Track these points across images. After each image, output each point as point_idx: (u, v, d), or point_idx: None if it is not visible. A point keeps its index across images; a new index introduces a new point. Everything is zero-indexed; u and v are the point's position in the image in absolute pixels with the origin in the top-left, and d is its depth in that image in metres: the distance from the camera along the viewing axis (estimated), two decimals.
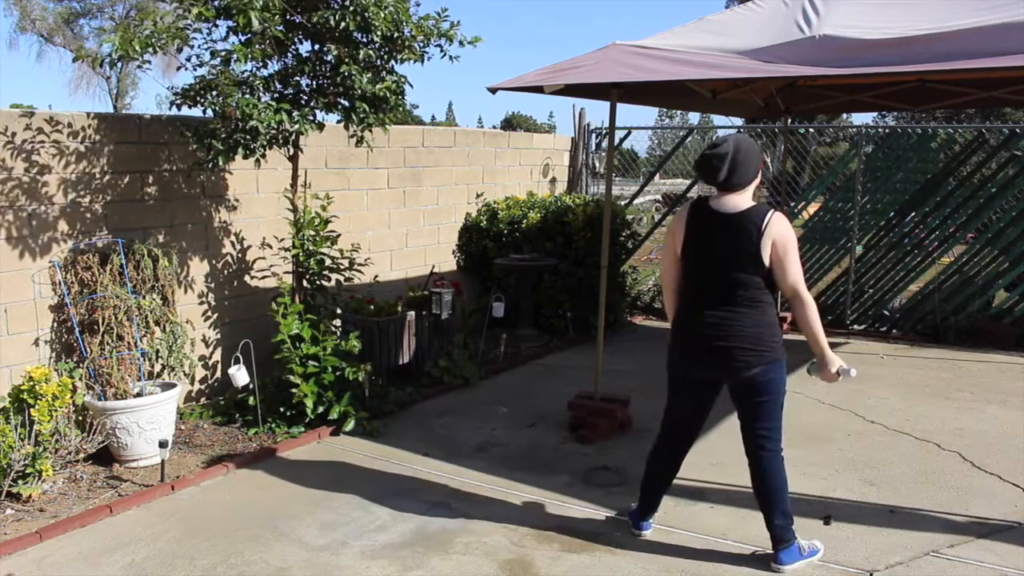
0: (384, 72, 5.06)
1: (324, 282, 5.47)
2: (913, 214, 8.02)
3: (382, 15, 4.77)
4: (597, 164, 9.50)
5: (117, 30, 4.42)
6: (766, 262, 3.18)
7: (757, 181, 3.31)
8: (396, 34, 4.93)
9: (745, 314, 3.24)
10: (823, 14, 4.21)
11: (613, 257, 7.63)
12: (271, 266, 5.80)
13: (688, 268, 3.39)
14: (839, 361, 3.28)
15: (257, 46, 4.65)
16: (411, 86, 5.18)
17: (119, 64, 4.53)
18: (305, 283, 5.42)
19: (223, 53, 4.59)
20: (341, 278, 5.59)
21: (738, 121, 9.86)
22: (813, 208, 8.94)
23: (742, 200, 3.26)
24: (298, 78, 5.02)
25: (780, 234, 3.18)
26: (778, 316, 3.35)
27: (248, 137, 4.67)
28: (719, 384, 3.45)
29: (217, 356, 5.69)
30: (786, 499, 3.39)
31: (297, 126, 4.83)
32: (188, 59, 4.71)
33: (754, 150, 3.27)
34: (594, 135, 9.49)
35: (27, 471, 4.01)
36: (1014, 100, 6.58)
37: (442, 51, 5.18)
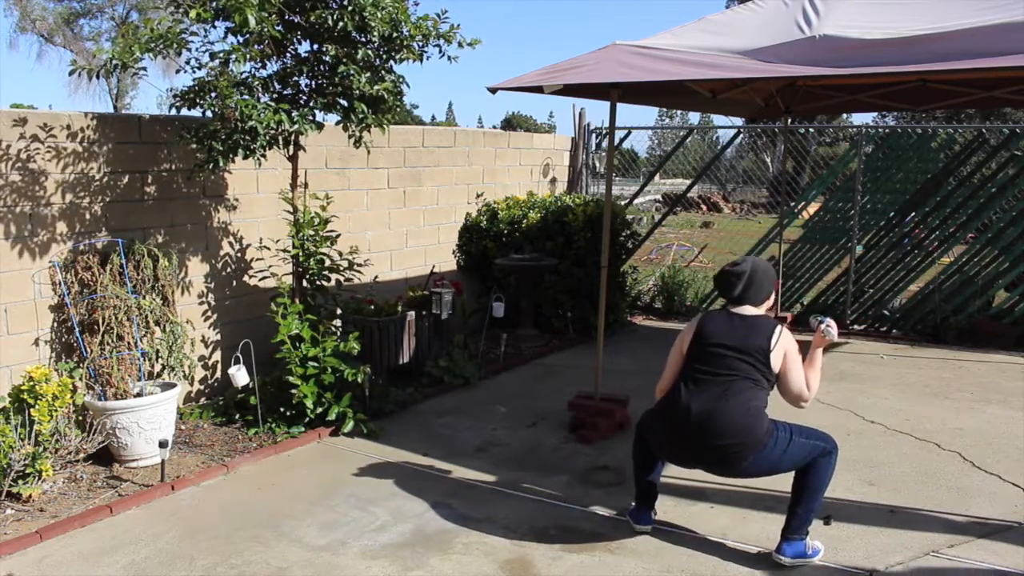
0: (383, 72, 5.06)
1: (324, 282, 5.47)
2: (913, 214, 8.02)
3: (380, 15, 4.78)
4: (597, 164, 9.50)
5: (117, 38, 4.42)
6: (775, 366, 3.32)
7: (770, 303, 3.50)
8: (394, 34, 4.93)
9: (734, 403, 3.27)
10: (823, 14, 4.21)
11: (613, 257, 7.63)
12: (271, 266, 5.80)
13: (690, 357, 3.44)
14: (818, 331, 3.41)
15: (256, 46, 4.65)
16: (408, 86, 5.18)
17: (115, 72, 4.53)
18: (305, 283, 5.42)
19: (221, 54, 4.59)
20: (341, 278, 5.59)
21: (738, 121, 9.87)
22: (813, 208, 8.94)
23: (755, 311, 3.44)
24: (297, 78, 5.02)
25: (791, 347, 3.35)
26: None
27: (248, 138, 4.67)
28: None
29: (217, 356, 5.69)
30: (820, 498, 3.42)
31: (296, 126, 4.83)
32: (187, 62, 4.71)
33: (770, 274, 3.48)
34: (594, 135, 9.49)
35: (27, 471, 4.01)
36: (1014, 100, 6.58)
37: (440, 51, 5.19)
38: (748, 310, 3.43)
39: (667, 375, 3.57)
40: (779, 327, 3.37)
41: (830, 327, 3.38)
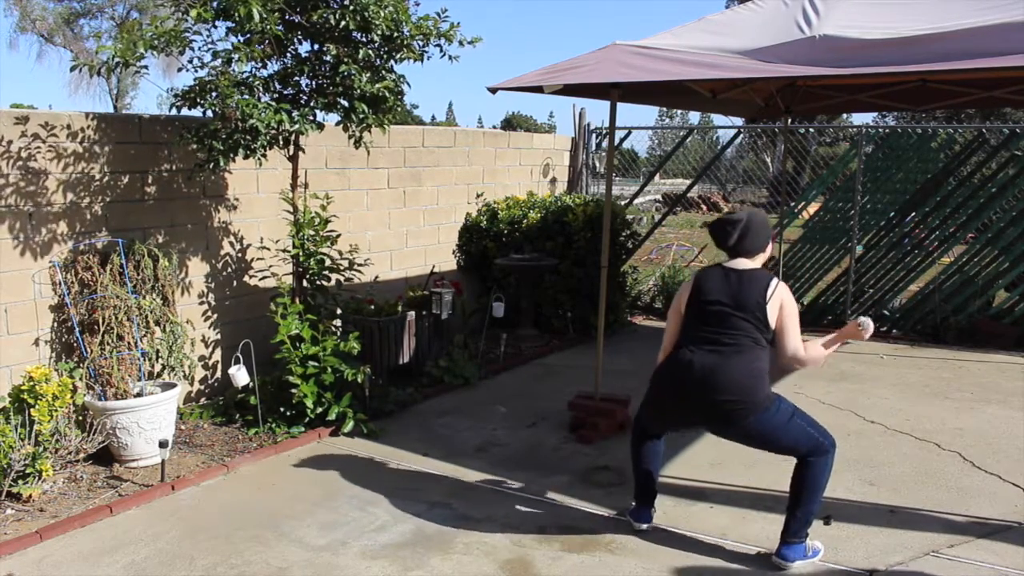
0: (383, 71, 5.06)
1: (324, 282, 5.47)
2: (913, 214, 8.02)
3: (382, 14, 4.77)
4: (597, 164, 9.51)
5: (119, 36, 4.42)
6: (771, 321, 3.28)
7: (766, 254, 3.46)
8: (395, 33, 4.93)
9: (736, 361, 3.27)
10: (823, 14, 4.21)
11: (613, 257, 7.63)
12: (271, 266, 5.80)
13: (689, 316, 3.44)
14: (852, 324, 3.36)
15: (257, 46, 4.65)
16: (409, 85, 5.18)
17: (117, 71, 4.52)
18: (305, 283, 5.42)
19: (223, 53, 4.60)
20: (341, 278, 5.59)
21: (738, 121, 9.87)
22: (813, 208, 8.94)
23: (751, 263, 3.40)
24: (298, 78, 5.02)
25: (786, 299, 3.31)
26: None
27: (248, 137, 4.67)
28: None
29: (217, 356, 5.69)
30: (818, 500, 3.40)
31: (297, 126, 4.83)
32: (190, 61, 4.71)
33: (766, 224, 3.44)
34: (594, 135, 9.49)
35: (27, 471, 4.01)
36: (1014, 100, 6.58)
37: (441, 51, 5.19)
38: (743, 263, 3.38)
39: (668, 336, 3.56)
40: (775, 279, 3.32)
41: (868, 322, 3.32)
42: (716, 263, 3.49)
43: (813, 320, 7.92)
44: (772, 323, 3.28)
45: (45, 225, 4.65)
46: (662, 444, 3.75)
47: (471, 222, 8.00)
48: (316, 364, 5.02)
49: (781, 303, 3.28)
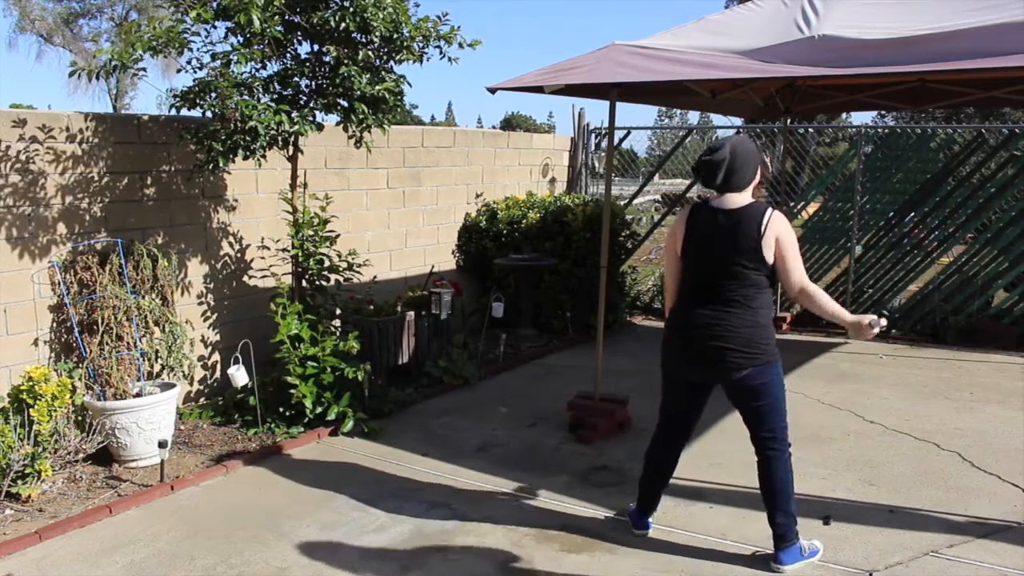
0: (383, 72, 5.06)
1: (323, 282, 5.47)
2: (912, 214, 8.02)
3: (381, 16, 4.77)
4: (597, 164, 9.50)
5: (120, 34, 4.42)
6: (768, 259, 3.20)
7: (757, 181, 3.33)
8: (395, 35, 4.93)
9: (738, 314, 3.23)
10: (823, 14, 4.21)
11: (613, 257, 7.63)
12: (270, 266, 5.80)
13: (687, 266, 3.40)
14: (865, 317, 3.20)
15: (256, 47, 4.64)
16: (410, 86, 5.18)
17: (115, 73, 4.52)
18: (304, 283, 5.42)
19: (222, 55, 4.59)
20: (340, 278, 5.59)
21: (738, 121, 9.87)
22: (813, 208, 8.94)
23: (741, 198, 3.28)
24: (297, 79, 5.02)
25: (782, 231, 3.20)
26: (776, 317, 3.34)
27: (248, 138, 4.67)
28: (711, 384, 3.46)
29: (216, 356, 5.69)
30: (790, 499, 3.39)
31: (296, 127, 4.83)
32: (189, 62, 4.71)
33: (752, 152, 3.29)
34: (594, 135, 9.48)
35: (26, 471, 4.01)
36: (1014, 100, 6.58)
37: (441, 52, 5.19)
38: (733, 199, 3.26)
39: (669, 279, 3.52)
40: (767, 211, 3.20)
41: (881, 323, 3.15)
42: (706, 199, 3.36)
43: (812, 320, 7.92)
44: (769, 259, 3.19)
45: (44, 225, 4.65)
46: (678, 457, 3.68)
47: (470, 222, 8.00)
48: (315, 364, 5.02)
49: (776, 236, 3.18)
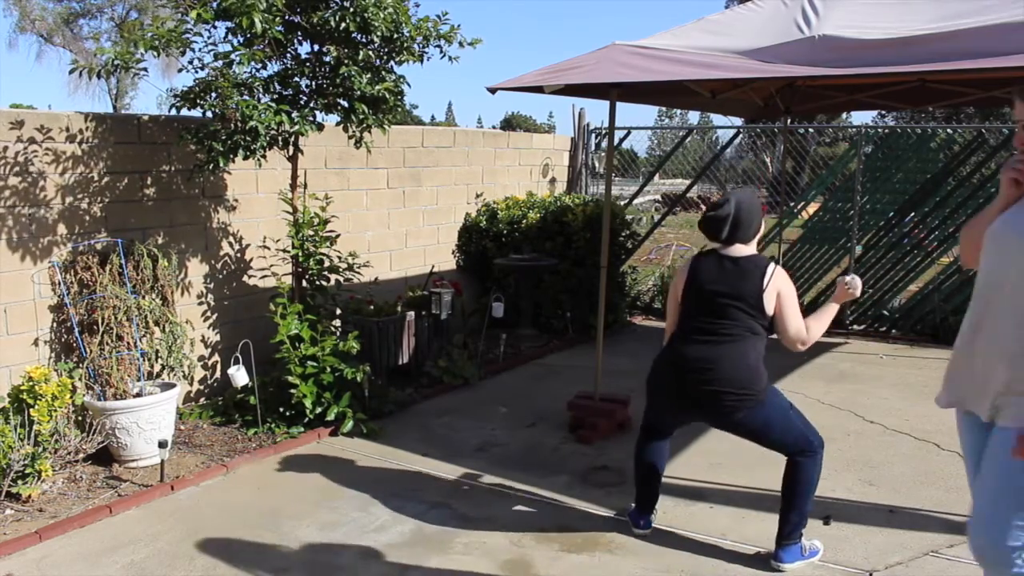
0: (384, 72, 5.06)
1: (323, 282, 5.47)
2: (913, 214, 8.02)
3: (382, 16, 4.77)
4: (597, 164, 9.50)
5: (122, 33, 4.42)
6: (769, 310, 3.27)
7: (760, 234, 3.42)
8: (395, 35, 4.93)
9: (729, 353, 3.26)
10: (822, 14, 4.21)
11: (613, 257, 7.63)
12: (270, 266, 5.80)
13: (686, 306, 3.43)
14: (839, 287, 3.35)
15: (257, 47, 4.64)
16: (409, 86, 5.18)
17: (116, 72, 4.52)
18: (304, 283, 5.42)
19: (223, 55, 4.59)
20: (340, 278, 5.59)
21: (738, 121, 9.87)
22: (813, 208, 8.94)
23: (746, 249, 3.37)
24: (297, 79, 5.02)
25: (783, 285, 3.29)
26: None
27: (248, 138, 4.67)
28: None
29: (216, 356, 5.69)
30: (810, 501, 3.40)
31: (297, 127, 4.83)
32: (190, 62, 4.71)
33: (755, 208, 3.38)
34: (594, 135, 9.48)
35: (27, 471, 4.01)
36: (1014, 100, 6.57)
37: (441, 52, 5.19)
38: (739, 249, 3.35)
39: (669, 324, 3.56)
40: (772, 265, 3.29)
41: (855, 280, 3.31)
42: (712, 248, 3.44)
43: None
44: (769, 311, 3.26)
45: (44, 226, 4.65)
46: (666, 450, 3.72)
47: (470, 222, 8.00)
48: (315, 364, 5.02)
49: (778, 291, 3.26)
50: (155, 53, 4.48)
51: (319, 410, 5.00)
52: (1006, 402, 2.31)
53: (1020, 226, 2.33)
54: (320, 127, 5.09)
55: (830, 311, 3.34)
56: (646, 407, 3.67)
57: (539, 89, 4.72)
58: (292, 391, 4.97)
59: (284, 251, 5.48)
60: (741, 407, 3.25)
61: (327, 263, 5.41)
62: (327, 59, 4.92)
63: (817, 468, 3.37)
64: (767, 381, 3.31)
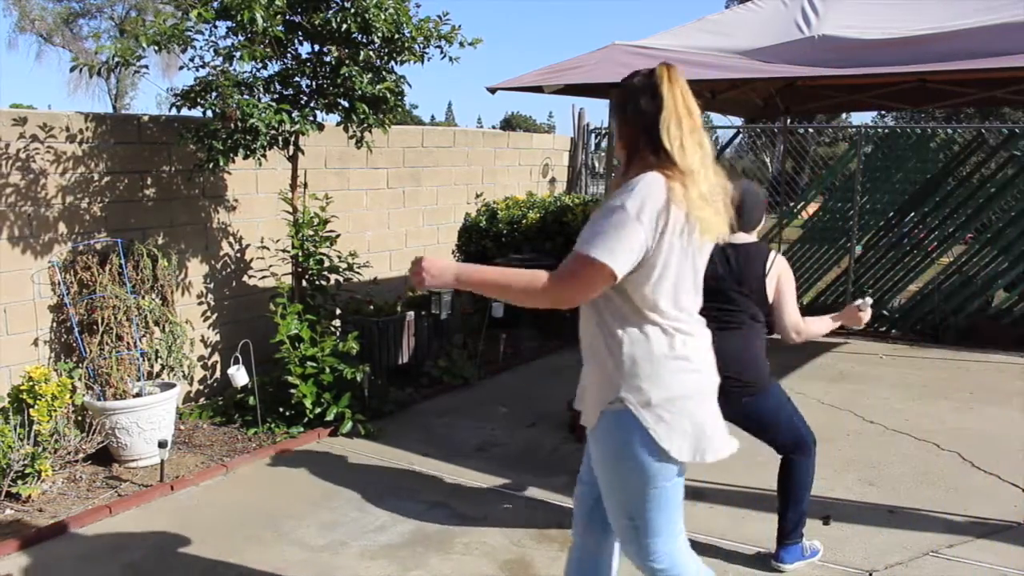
0: (384, 72, 5.06)
1: (323, 282, 5.47)
2: (912, 214, 8.02)
3: (383, 16, 4.77)
4: (597, 164, 9.51)
5: (120, 32, 4.42)
6: (770, 295, 3.28)
7: (761, 225, 3.44)
8: (396, 35, 4.93)
9: (732, 339, 3.25)
10: (822, 14, 4.21)
11: None
12: (270, 266, 5.80)
13: None
14: (852, 307, 3.34)
15: (258, 46, 4.65)
16: (410, 86, 5.18)
17: (116, 71, 4.52)
18: (304, 283, 5.42)
19: (225, 51, 4.59)
20: (340, 278, 5.59)
21: (737, 121, 9.87)
22: (812, 208, 8.95)
23: (748, 237, 3.38)
24: (298, 79, 5.02)
25: (785, 272, 3.31)
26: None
27: (248, 138, 4.67)
28: None
29: (216, 356, 5.69)
30: (806, 499, 3.40)
31: (297, 126, 4.83)
32: (191, 60, 4.71)
33: (759, 198, 3.40)
34: (593, 135, 9.49)
35: (26, 471, 4.01)
36: (1014, 100, 6.59)
37: (442, 52, 5.19)
38: (740, 237, 3.34)
39: None
40: (773, 252, 3.33)
41: (868, 301, 3.30)
42: None
43: None
44: (770, 296, 3.28)
45: (44, 225, 4.65)
46: None
47: (470, 222, 8.00)
48: (315, 364, 5.02)
49: (779, 277, 3.29)
50: (156, 48, 4.47)
51: (319, 410, 5.00)
52: None
53: None
54: (320, 127, 5.09)
55: (826, 324, 3.36)
56: None
57: (539, 89, 4.73)
58: (292, 391, 4.97)
59: (284, 251, 5.48)
60: (745, 393, 3.24)
61: (327, 263, 5.41)
62: (328, 59, 4.92)
63: (811, 467, 3.37)
64: (770, 371, 3.31)
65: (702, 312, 3.32)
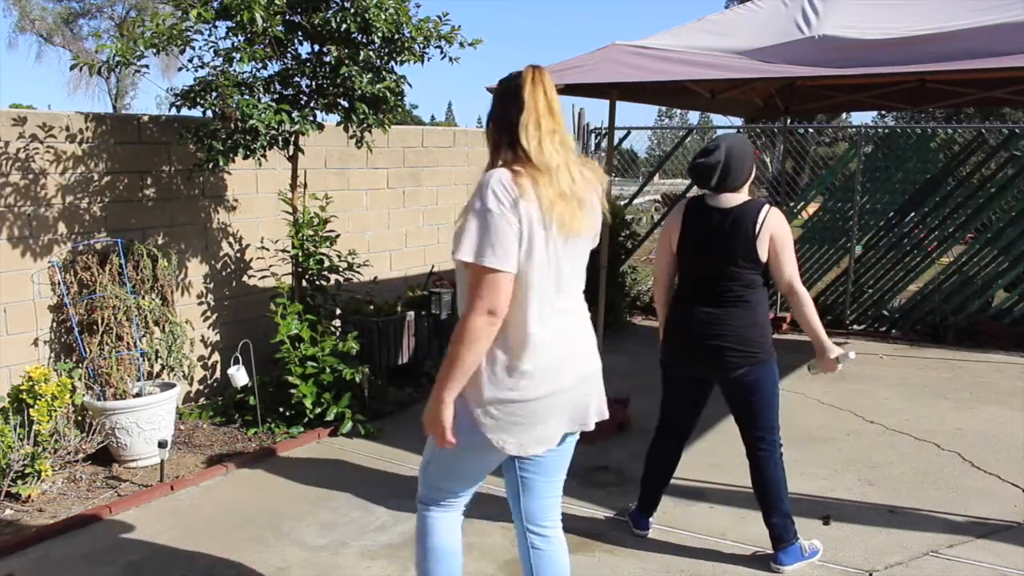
0: (384, 72, 5.06)
1: (323, 282, 5.47)
2: (912, 214, 8.02)
3: (383, 16, 4.77)
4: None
5: (120, 33, 4.42)
6: (763, 256, 3.22)
7: (751, 179, 3.35)
8: (396, 35, 4.93)
9: (735, 313, 3.26)
10: (822, 14, 4.22)
11: (612, 257, 7.63)
12: (270, 266, 5.80)
13: (683, 264, 3.42)
14: (837, 349, 3.25)
15: (258, 46, 4.64)
16: (410, 85, 5.18)
17: (117, 70, 4.52)
18: (304, 283, 5.42)
19: (225, 52, 4.59)
20: (340, 278, 5.59)
21: (737, 121, 9.87)
22: (812, 208, 8.94)
23: (737, 197, 3.30)
24: (298, 79, 5.02)
25: (777, 228, 3.22)
26: (777, 317, 3.36)
27: (248, 138, 4.67)
28: (710, 381, 3.47)
29: (216, 356, 5.69)
30: (784, 499, 3.39)
31: (297, 126, 4.83)
32: (190, 60, 4.71)
33: (746, 151, 3.30)
34: (594, 135, 9.48)
35: (26, 471, 4.01)
36: (1014, 100, 6.59)
37: (442, 52, 5.19)
38: (729, 198, 3.27)
39: (659, 277, 3.53)
40: (764, 207, 3.23)
41: (851, 356, 3.24)
42: (702, 196, 3.37)
43: None
44: (763, 257, 3.21)
45: (44, 225, 4.65)
46: (678, 456, 3.68)
47: None
48: (315, 364, 5.02)
49: (772, 234, 3.20)
50: (155, 51, 4.47)
51: (319, 410, 5.00)
52: None
53: None
54: (320, 127, 5.09)
55: (819, 326, 3.26)
56: (663, 399, 3.62)
57: None
58: (292, 391, 4.97)
59: (284, 251, 5.48)
60: (743, 364, 3.25)
61: (327, 263, 5.41)
62: (328, 59, 4.92)
63: (779, 466, 3.37)
64: (771, 341, 3.31)
65: (701, 288, 3.33)
